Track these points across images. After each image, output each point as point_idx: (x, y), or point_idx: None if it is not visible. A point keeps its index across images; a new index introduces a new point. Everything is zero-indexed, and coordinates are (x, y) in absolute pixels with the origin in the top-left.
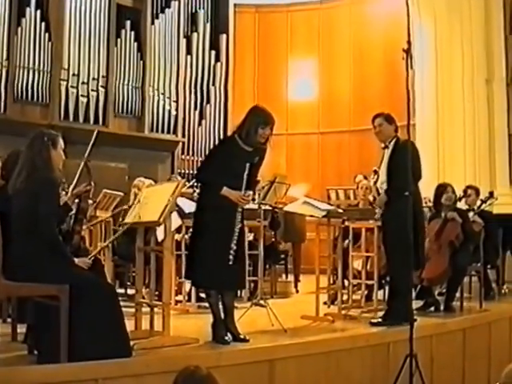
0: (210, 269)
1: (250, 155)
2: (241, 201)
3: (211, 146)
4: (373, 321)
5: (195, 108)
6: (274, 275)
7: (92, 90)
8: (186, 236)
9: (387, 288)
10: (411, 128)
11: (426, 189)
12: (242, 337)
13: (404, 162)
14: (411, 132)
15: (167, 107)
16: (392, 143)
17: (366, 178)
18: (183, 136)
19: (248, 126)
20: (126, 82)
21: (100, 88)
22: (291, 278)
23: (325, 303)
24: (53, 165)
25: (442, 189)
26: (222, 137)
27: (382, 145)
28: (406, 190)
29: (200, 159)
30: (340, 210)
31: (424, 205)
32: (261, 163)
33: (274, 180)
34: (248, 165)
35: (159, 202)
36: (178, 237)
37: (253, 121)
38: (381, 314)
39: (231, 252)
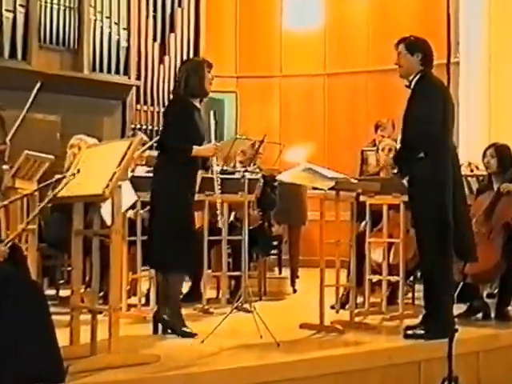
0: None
1: (200, 111)
2: (217, 151)
3: None
4: (408, 332)
5: (154, 38)
6: (264, 269)
7: (6, 11)
8: (142, 211)
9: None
10: (453, 67)
11: (474, 151)
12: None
13: (419, 109)
14: (453, 73)
15: (115, 37)
16: (414, 82)
17: (393, 126)
18: (138, 78)
19: (193, 78)
20: (55, 1)
21: (18, 8)
22: (286, 272)
23: (332, 307)
24: None
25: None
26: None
27: (406, 82)
28: (420, 150)
29: (163, 110)
30: (353, 180)
31: (469, 173)
32: None
33: (263, 140)
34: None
35: (104, 167)
36: (131, 214)
37: (195, 69)
38: (410, 322)
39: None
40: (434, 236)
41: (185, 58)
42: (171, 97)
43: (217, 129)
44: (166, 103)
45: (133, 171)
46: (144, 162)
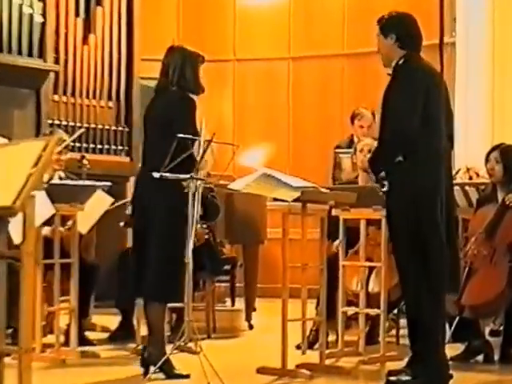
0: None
1: None
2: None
3: (104, 80)
4: (391, 378)
5: (77, 13)
6: (212, 300)
7: None
8: (62, 229)
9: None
10: (448, 49)
11: (474, 154)
12: None
13: (396, 102)
14: (448, 56)
15: (27, 10)
16: (396, 69)
17: (373, 115)
18: (56, 62)
19: (188, 70)
20: None
21: None
22: (241, 304)
23: (298, 347)
24: None
25: None
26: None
27: (388, 71)
28: (397, 151)
29: (88, 102)
30: (324, 189)
31: (468, 181)
32: None
33: (211, 139)
34: None
35: (14, 173)
36: (46, 231)
37: (190, 60)
38: (394, 365)
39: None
40: (414, 259)
41: (115, 37)
42: (169, 89)
43: None
44: (153, 96)
45: (50, 178)
46: (63, 167)
